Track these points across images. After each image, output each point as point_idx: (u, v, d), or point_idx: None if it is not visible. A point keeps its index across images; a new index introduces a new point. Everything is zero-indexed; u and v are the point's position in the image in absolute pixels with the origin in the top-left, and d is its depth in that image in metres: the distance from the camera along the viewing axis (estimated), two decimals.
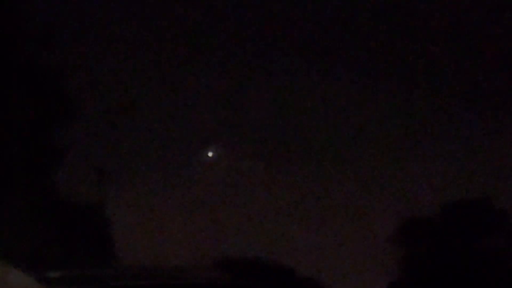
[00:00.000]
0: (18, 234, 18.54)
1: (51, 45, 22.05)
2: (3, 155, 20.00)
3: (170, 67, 44.89)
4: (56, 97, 21.95)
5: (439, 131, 55.81)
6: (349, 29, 49.02)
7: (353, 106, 54.85)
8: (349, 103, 55.98)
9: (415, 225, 38.51)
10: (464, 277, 35.41)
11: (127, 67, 40.99)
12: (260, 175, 53.89)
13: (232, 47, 46.96)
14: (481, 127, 54.53)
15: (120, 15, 37.49)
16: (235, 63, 48.04)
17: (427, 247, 37.91)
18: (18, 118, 20.29)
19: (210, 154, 40.65)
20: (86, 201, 23.21)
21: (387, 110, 54.83)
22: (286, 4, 44.33)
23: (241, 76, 49.18)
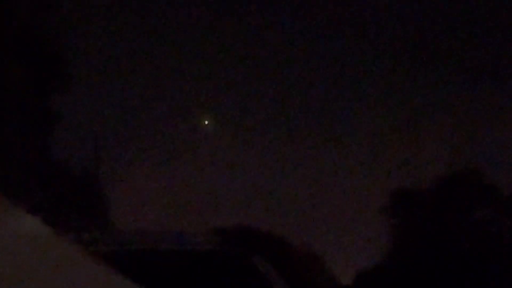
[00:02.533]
0: (15, 197, 18.81)
1: (49, 10, 22.11)
2: (1, 120, 20.17)
3: (169, 34, 44.84)
4: (54, 63, 22.05)
5: (431, 104, 55.85)
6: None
7: (350, 75, 54.85)
8: (343, 71, 55.92)
9: (407, 197, 38.79)
10: (455, 248, 35.73)
11: (125, 34, 40.97)
12: (256, 144, 53.97)
13: (233, 14, 46.90)
14: (474, 101, 54.59)
15: None
16: (234, 31, 47.98)
17: (419, 219, 38.21)
18: (16, 83, 20.41)
19: (206, 122, 40.78)
20: (82, 166, 23.43)
21: (383, 81, 54.82)
22: None
23: (237, 47, 49.13)
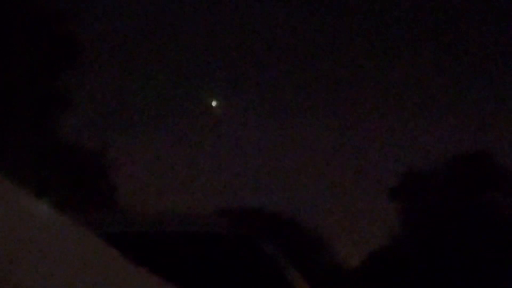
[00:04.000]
0: (21, 176, 18.82)
1: None
2: (11, 98, 20.17)
3: (177, 14, 44.70)
4: (63, 42, 21.99)
5: (441, 85, 55.69)
6: None
7: (357, 54, 54.65)
8: (351, 49, 55.72)
9: (416, 178, 38.76)
10: (464, 230, 35.71)
11: (134, 13, 40.86)
12: (263, 125, 53.94)
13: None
14: (484, 82, 54.36)
15: None
16: (240, 14, 47.85)
17: (427, 201, 38.19)
18: (25, 62, 20.40)
19: (214, 103, 40.74)
20: (89, 148, 23.40)
21: (391, 62, 54.58)
22: None
23: (244, 26, 48.98)
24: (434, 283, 35.66)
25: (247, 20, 46.66)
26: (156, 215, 3.62)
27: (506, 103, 49.81)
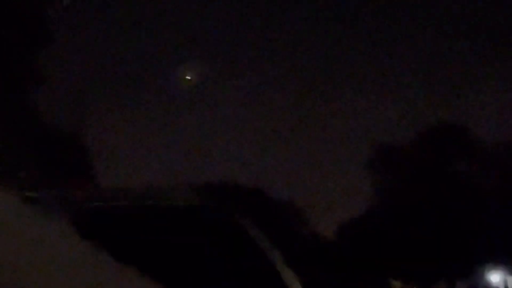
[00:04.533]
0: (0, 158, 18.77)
1: None
2: None
3: None
4: (36, 19, 21.82)
5: (415, 59, 55.92)
6: None
7: (337, 34, 54.66)
8: (329, 31, 55.76)
9: (390, 151, 39.01)
10: (437, 201, 36.03)
11: None
12: (238, 99, 53.85)
13: None
14: (456, 56, 54.62)
15: None
16: None
17: (402, 173, 38.46)
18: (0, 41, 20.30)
19: (189, 77, 40.68)
20: (66, 124, 23.28)
21: (362, 37, 54.67)
22: None
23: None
24: (408, 252, 36.01)
25: None
26: (133, 189, 3.69)
27: (476, 76, 50.08)
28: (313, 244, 44.31)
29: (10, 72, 20.95)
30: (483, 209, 35.73)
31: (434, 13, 47.81)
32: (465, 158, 38.07)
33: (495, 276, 41.60)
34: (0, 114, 19.86)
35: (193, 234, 3.43)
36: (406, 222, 36.64)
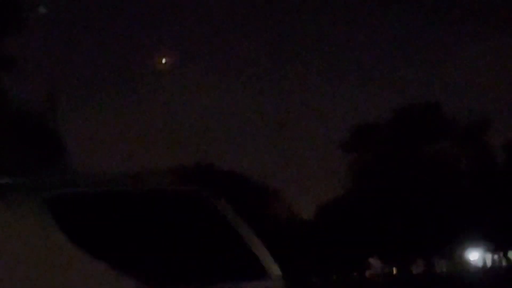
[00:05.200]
0: None
1: None
2: None
3: None
4: (6, 4, 21.55)
5: (388, 39, 56.03)
6: None
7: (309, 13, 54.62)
8: (305, 13, 55.70)
9: (366, 131, 39.09)
10: (415, 180, 36.19)
11: None
12: (213, 82, 53.75)
13: None
14: (432, 35, 54.83)
15: None
16: None
17: (378, 153, 38.58)
18: None
19: (163, 61, 40.46)
20: (38, 110, 23.02)
21: (344, 22, 54.65)
22: None
23: None
24: (387, 233, 36.14)
25: None
26: (109, 174, 3.61)
27: (452, 54, 50.27)
28: (292, 225, 44.45)
29: None
30: (459, 188, 35.95)
31: None
32: (441, 137, 38.25)
33: (473, 254, 41.99)
34: None
35: (171, 218, 3.35)
36: (384, 202, 36.80)
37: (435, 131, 37.34)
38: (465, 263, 41.86)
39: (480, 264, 42.69)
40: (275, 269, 3.19)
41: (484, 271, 37.86)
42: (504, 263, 40.48)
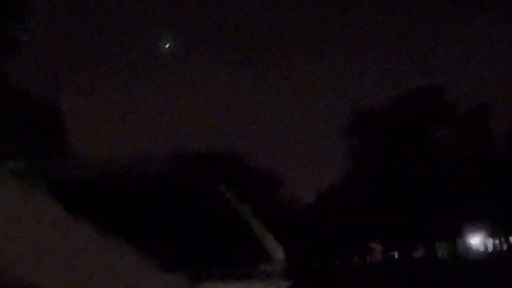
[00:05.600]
0: None
1: None
2: None
3: None
4: None
5: (389, 21, 55.81)
6: None
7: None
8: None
9: (367, 116, 39.07)
10: (416, 164, 36.20)
11: None
12: (218, 67, 53.69)
13: None
14: (434, 18, 54.65)
15: None
16: None
17: (379, 138, 38.57)
18: None
19: (167, 45, 40.43)
20: (42, 93, 23.02)
21: (348, 3, 54.45)
22: None
23: None
24: (388, 217, 36.20)
25: None
26: (113, 159, 3.62)
27: (455, 38, 50.13)
28: (294, 210, 44.55)
29: None
30: (460, 173, 35.95)
31: None
32: (443, 121, 38.23)
33: (475, 239, 42.05)
34: None
35: (174, 203, 3.37)
36: (386, 186, 36.83)
37: (437, 116, 37.31)
38: (466, 248, 41.91)
39: (481, 248, 42.76)
40: (278, 253, 3.21)
41: (486, 256, 37.91)
42: (505, 247, 40.55)
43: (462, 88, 49.71)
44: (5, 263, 0.44)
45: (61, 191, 3.09)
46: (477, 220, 35.54)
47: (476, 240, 42.31)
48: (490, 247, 43.77)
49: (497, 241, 43.40)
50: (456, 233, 38.87)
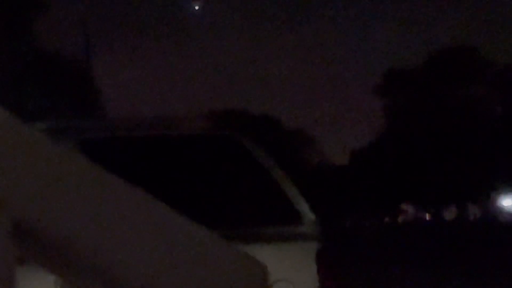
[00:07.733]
0: (2, 84, 18.54)
1: None
2: None
3: None
4: None
5: None
6: None
7: None
8: None
9: (400, 75, 38.76)
10: (448, 124, 35.91)
11: None
12: (246, 27, 53.49)
13: None
14: None
15: None
16: None
17: (412, 97, 38.27)
18: None
19: (196, 7, 40.29)
20: (72, 54, 23.07)
21: None
22: None
23: None
24: (419, 177, 36.02)
25: None
26: (142, 119, 3.58)
27: None
28: (324, 170, 44.53)
29: (12, 1, 20.63)
30: (493, 133, 35.60)
31: None
32: (475, 81, 37.81)
33: (507, 200, 41.73)
34: (3, 43, 19.63)
35: (203, 162, 3.33)
36: (417, 147, 36.62)
37: (471, 74, 36.88)
38: (498, 209, 41.65)
39: None
40: (309, 214, 3.17)
41: None
42: None
43: (494, 46, 49.02)
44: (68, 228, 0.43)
45: (91, 150, 3.06)
46: (510, 182, 35.24)
47: (509, 202, 42.02)
48: None
49: None
50: (488, 194, 38.64)
